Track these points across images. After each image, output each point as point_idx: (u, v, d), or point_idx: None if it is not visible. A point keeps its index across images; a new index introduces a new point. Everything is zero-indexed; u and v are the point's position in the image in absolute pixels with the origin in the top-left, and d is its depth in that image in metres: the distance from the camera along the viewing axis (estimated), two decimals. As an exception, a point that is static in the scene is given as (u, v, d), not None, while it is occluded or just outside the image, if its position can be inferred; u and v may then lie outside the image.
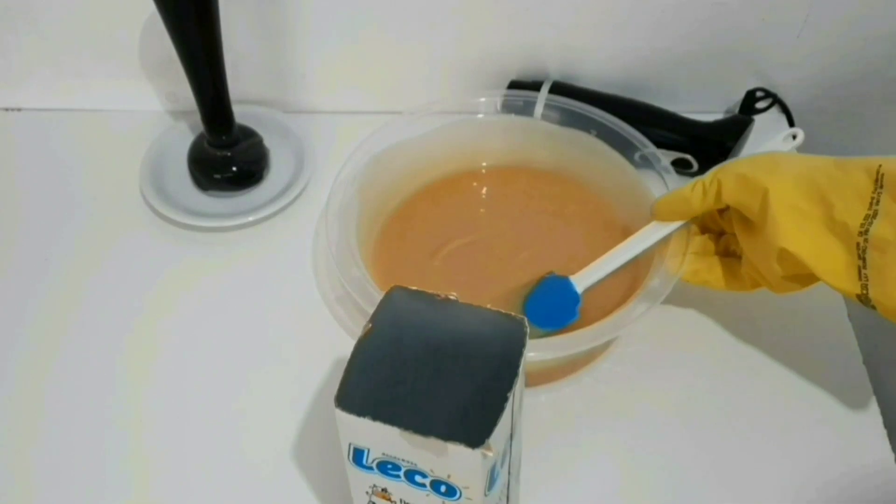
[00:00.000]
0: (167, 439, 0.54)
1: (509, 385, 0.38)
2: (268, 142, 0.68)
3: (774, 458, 0.53)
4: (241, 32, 0.65)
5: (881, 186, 0.46)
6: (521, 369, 0.39)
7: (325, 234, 0.59)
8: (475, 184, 0.67)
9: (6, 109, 0.74)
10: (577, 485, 0.52)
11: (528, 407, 0.54)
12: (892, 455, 0.53)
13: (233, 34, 0.61)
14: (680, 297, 0.59)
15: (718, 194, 0.52)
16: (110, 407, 0.56)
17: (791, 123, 0.70)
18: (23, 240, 0.65)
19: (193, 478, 0.52)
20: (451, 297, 0.41)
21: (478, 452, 0.36)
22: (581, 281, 0.56)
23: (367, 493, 0.42)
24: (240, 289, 0.62)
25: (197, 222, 0.64)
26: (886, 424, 0.54)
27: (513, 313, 0.41)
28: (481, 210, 0.66)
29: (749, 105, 0.70)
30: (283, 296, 0.61)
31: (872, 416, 0.55)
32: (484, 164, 0.67)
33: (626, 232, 0.58)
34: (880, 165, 0.46)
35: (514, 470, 0.44)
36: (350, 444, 0.39)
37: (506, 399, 0.37)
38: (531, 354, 0.50)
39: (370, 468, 0.40)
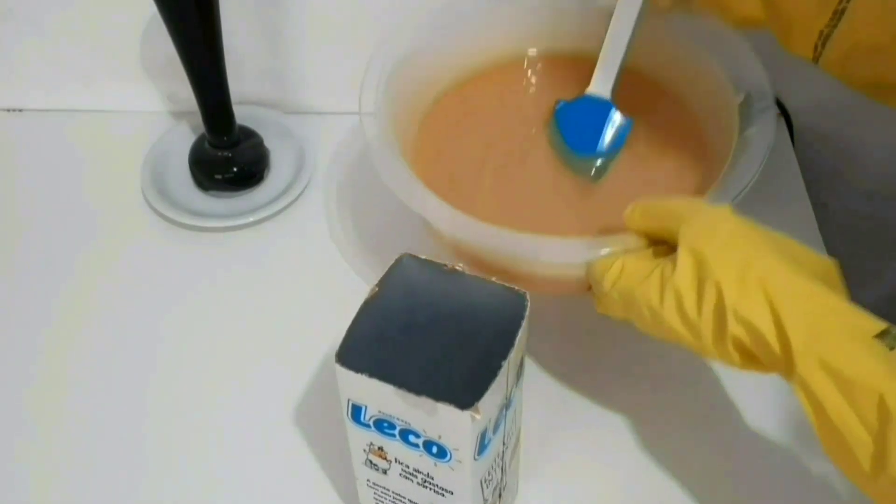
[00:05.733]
0: (171, 437, 0.55)
1: (504, 354, 0.39)
2: (268, 142, 0.69)
3: (770, 457, 0.53)
4: (242, 34, 0.65)
5: None
6: (518, 340, 0.40)
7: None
8: (521, 75, 0.60)
9: (8, 110, 0.74)
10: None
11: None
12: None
13: (233, 35, 0.61)
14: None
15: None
16: (112, 403, 0.56)
17: (789, 124, 0.70)
18: (23, 241, 0.65)
19: (200, 474, 0.53)
20: (458, 268, 0.43)
21: (466, 414, 0.37)
22: (599, 85, 0.54)
23: (364, 450, 0.43)
24: (241, 288, 0.62)
25: (198, 223, 0.65)
26: None
27: (515, 287, 0.42)
28: (530, 106, 0.59)
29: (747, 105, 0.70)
30: (284, 295, 0.62)
31: None
32: (531, 50, 0.60)
33: (696, 125, 0.54)
34: None
35: (509, 443, 0.45)
36: (349, 401, 0.41)
37: (499, 367, 0.39)
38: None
39: (367, 425, 0.41)
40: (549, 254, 0.48)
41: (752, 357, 0.41)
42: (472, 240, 0.48)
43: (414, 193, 0.49)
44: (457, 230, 0.48)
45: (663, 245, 0.46)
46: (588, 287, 0.49)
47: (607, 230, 0.48)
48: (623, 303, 0.45)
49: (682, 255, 0.42)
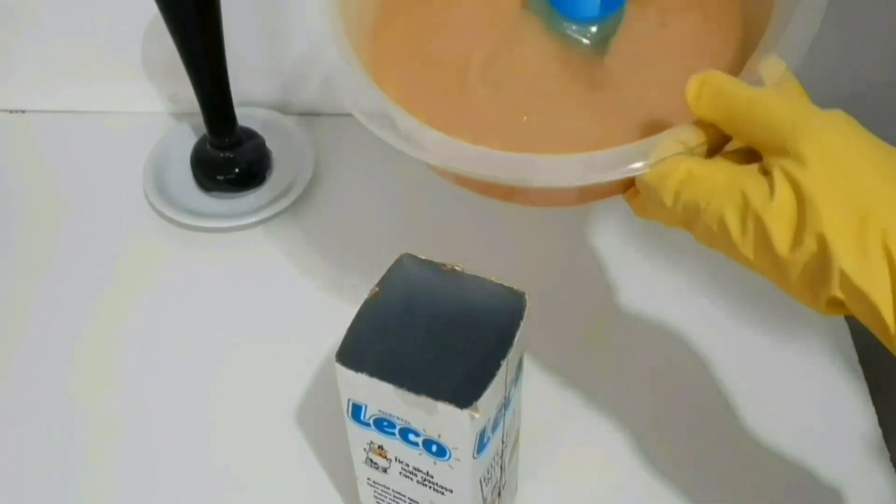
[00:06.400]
0: (171, 435, 0.55)
1: (504, 354, 0.39)
2: (270, 143, 0.69)
3: (769, 460, 0.53)
4: (243, 35, 0.65)
5: None
6: (517, 340, 0.40)
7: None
8: None
9: (10, 111, 0.74)
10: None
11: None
12: (888, 455, 0.53)
13: (235, 37, 0.61)
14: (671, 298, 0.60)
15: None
16: (111, 402, 0.56)
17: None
18: (26, 240, 0.65)
19: (200, 472, 0.53)
20: (458, 268, 0.42)
21: (465, 413, 0.37)
22: None
23: (364, 449, 0.43)
24: (242, 288, 0.62)
25: (200, 223, 0.65)
26: (882, 423, 0.55)
27: (514, 287, 0.41)
28: None
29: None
30: (286, 294, 0.62)
31: (868, 420, 0.55)
32: None
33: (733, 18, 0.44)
34: None
35: (508, 441, 0.45)
36: (349, 400, 0.41)
37: (498, 366, 0.39)
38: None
39: (367, 424, 0.42)
40: (592, 171, 0.37)
41: (840, 307, 0.34)
42: (510, 178, 0.38)
43: (412, 135, 0.39)
44: (472, 168, 0.38)
45: (738, 147, 0.37)
46: (621, 190, 0.41)
47: (645, 123, 0.40)
48: (686, 217, 0.37)
49: (780, 186, 0.33)
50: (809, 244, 0.32)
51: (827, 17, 0.39)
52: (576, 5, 0.46)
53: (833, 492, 0.52)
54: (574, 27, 0.46)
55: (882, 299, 0.31)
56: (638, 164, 0.37)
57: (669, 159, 0.36)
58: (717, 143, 0.37)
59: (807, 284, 0.34)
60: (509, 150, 0.39)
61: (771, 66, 0.37)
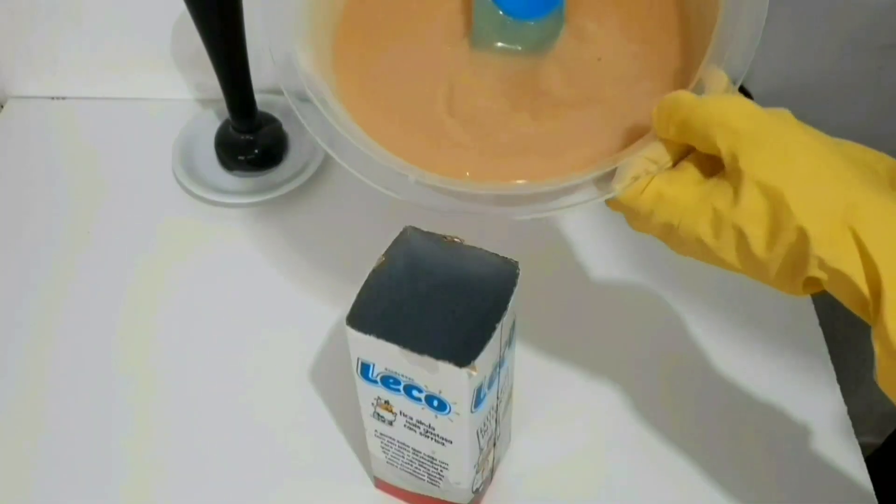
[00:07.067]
0: (202, 386, 0.57)
1: (499, 317, 0.41)
2: (286, 128, 0.71)
3: (747, 409, 0.55)
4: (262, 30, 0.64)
5: None
6: (510, 305, 0.41)
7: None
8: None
9: (52, 98, 0.76)
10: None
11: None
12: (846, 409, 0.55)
13: (255, 31, 0.62)
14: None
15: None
16: (152, 361, 0.58)
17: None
18: (66, 216, 0.67)
19: (224, 421, 0.56)
20: (457, 240, 0.43)
21: (464, 371, 0.39)
22: None
23: (372, 404, 0.45)
24: (262, 258, 0.64)
25: (223, 199, 0.67)
26: (840, 380, 0.57)
27: (508, 257, 0.42)
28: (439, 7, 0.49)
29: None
30: (300, 264, 0.63)
31: (832, 388, 0.57)
32: None
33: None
34: None
35: (502, 397, 0.47)
36: (358, 359, 0.42)
37: (494, 329, 0.40)
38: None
39: (375, 381, 0.43)
40: (565, 196, 0.39)
41: (817, 287, 0.36)
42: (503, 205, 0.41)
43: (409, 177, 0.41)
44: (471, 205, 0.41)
45: (699, 156, 0.38)
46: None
47: (594, 129, 0.41)
48: (661, 232, 0.39)
49: (750, 191, 0.35)
50: (786, 238, 0.34)
51: (779, 15, 0.40)
52: (519, 7, 0.47)
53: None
54: (515, 33, 0.48)
55: (857, 275, 0.33)
56: (612, 189, 0.38)
57: (641, 181, 0.38)
58: (682, 155, 0.39)
59: (784, 272, 0.36)
60: (489, 164, 0.42)
61: (715, 78, 0.39)
